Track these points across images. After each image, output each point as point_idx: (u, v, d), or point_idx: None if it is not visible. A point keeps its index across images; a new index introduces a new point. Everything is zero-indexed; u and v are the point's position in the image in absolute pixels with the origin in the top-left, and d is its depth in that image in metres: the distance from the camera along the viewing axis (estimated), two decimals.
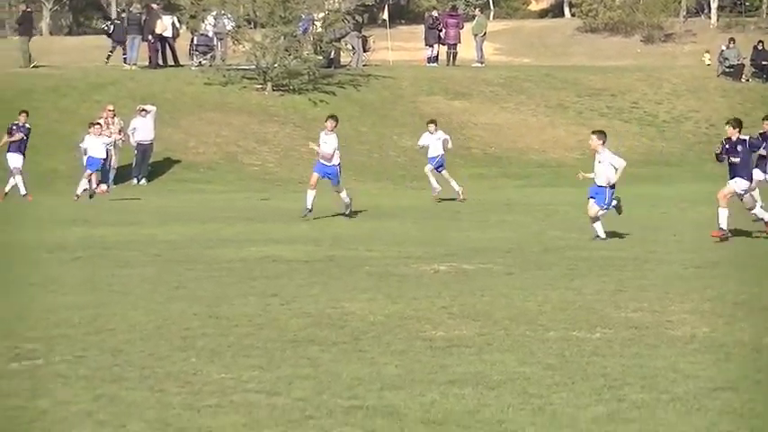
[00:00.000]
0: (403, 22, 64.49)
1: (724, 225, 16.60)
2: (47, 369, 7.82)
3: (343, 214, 21.23)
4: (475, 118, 39.02)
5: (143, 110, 29.88)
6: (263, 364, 7.98)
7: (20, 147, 26.65)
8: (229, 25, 39.06)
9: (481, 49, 46.06)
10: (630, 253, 16.05)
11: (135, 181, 29.61)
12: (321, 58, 39.27)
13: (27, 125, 27.06)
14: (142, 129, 29.39)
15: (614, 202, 17.19)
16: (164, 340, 8.94)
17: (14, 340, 9.02)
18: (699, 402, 6.76)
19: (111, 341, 8.85)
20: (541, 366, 7.97)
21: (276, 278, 13.21)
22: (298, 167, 30.70)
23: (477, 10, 54.35)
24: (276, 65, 37.11)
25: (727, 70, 43.30)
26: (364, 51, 42.99)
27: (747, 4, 62.31)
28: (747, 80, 43.12)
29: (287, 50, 37.63)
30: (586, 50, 58.56)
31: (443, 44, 45.71)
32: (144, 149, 30.13)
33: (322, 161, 21.07)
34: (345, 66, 41.14)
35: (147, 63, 38.77)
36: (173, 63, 40.01)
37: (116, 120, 29.01)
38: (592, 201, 16.89)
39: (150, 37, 38.80)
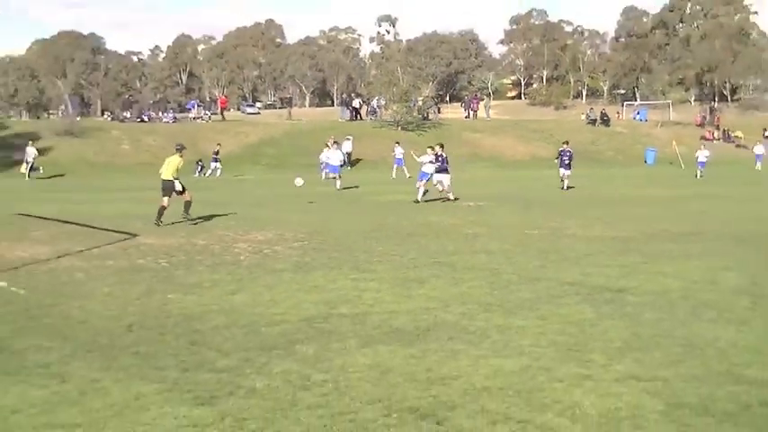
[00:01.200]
0: (453, 99, 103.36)
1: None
2: None
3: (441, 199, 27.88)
4: (485, 141, 63.83)
5: (335, 142, 39.50)
6: None
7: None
8: (383, 101, 67.71)
9: (488, 113, 75.04)
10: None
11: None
12: (421, 116, 65.44)
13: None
14: (336, 153, 36.72)
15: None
16: None
17: None
18: None
19: None
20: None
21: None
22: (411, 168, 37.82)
23: (486, 96, 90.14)
24: (401, 118, 63.19)
25: (589, 121, 72.41)
26: (438, 113, 71.40)
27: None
28: (597, 126, 70.50)
29: (406, 113, 63.54)
30: (532, 113, 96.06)
31: (472, 110, 73.86)
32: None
33: (423, 169, 28.38)
34: (430, 119, 66.86)
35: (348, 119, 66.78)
36: (362, 119, 67.00)
37: (334, 143, 38.91)
38: None
39: (351, 107, 69.08)
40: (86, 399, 7.19)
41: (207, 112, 71.41)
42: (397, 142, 49.13)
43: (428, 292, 11.97)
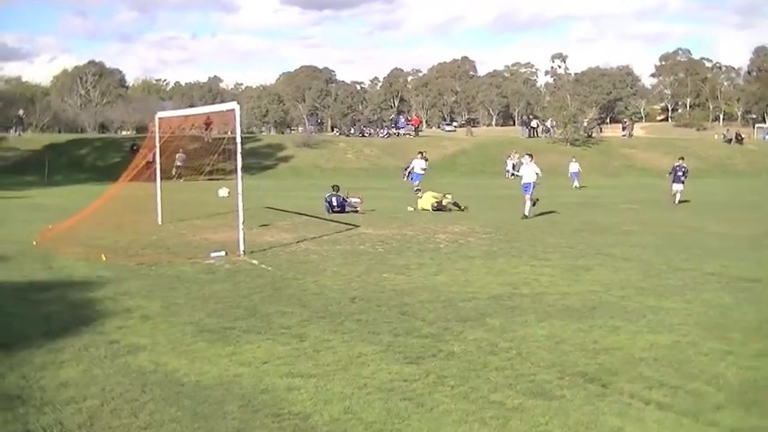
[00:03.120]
0: (612, 121, 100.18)
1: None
2: None
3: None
4: (638, 155, 61.99)
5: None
6: None
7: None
8: (555, 122, 65.53)
9: (629, 133, 74.24)
10: None
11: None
12: (586, 134, 63.15)
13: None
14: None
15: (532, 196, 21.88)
16: None
17: None
18: None
19: None
20: None
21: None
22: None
23: (628, 119, 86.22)
24: (570, 136, 61.22)
25: (725, 140, 68.38)
26: (600, 132, 69.26)
27: None
28: (732, 144, 66.83)
29: (574, 131, 61.57)
30: (677, 133, 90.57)
31: (627, 130, 73.12)
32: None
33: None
34: (593, 137, 64.35)
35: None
36: (537, 136, 64.74)
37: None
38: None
39: (530, 126, 68.17)
40: (319, 355, 7.36)
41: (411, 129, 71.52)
42: (574, 157, 47.38)
43: (593, 277, 11.78)
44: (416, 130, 71.14)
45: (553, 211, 23.74)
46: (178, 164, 40.74)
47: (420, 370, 6.84)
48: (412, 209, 24.05)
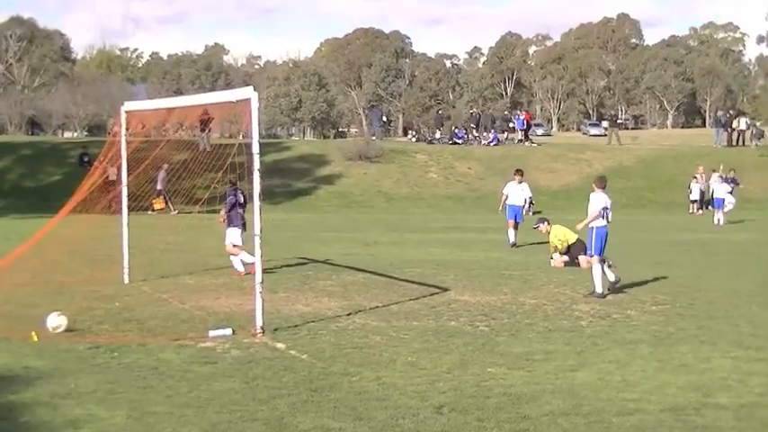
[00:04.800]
0: None
1: None
2: None
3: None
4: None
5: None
6: None
7: None
8: None
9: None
10: None
11: None
12: None
13: None
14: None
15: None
16: None
17: None
18: None
19: None
20: None
21: None
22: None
23: None
24: None
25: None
26: None
27: None
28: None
29: None
30: None
31: None
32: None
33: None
34: None
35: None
36: (744, 145, 65.26)
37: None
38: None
39: (729, 128, 67.06)
40: None
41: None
42: None
43: None
44: (526, 131, 71.38)
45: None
46: (159, 187, 41.46)
47: None
48: (553, 260, 23.89)
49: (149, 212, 39.75)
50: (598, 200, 19.06)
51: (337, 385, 10.95)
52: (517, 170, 30.14)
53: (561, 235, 24.00)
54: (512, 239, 28.22)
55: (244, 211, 21.07)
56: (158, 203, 42.40)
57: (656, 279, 21.22)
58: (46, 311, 15.51)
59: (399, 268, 22.60)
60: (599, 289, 18.53)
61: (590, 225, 18.87)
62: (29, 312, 15.60)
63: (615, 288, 18.95)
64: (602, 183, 19.54)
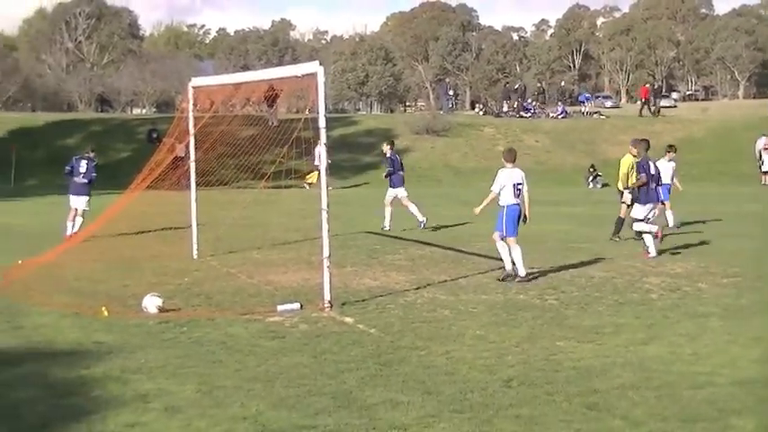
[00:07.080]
0: None
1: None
2: None
3: None
4: None
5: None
6: None
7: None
8: None
9: None
10: None
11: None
12: None
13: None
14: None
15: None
16: None
17: None
18: None
19: None
20: None
21: None
22: None
23: None
24: None
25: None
26: None
27: None
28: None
29: None
30: None
31: None
32: None
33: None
34: None
35: None
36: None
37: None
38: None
39: None
40: None
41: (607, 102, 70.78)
42: None
43: None
44: (647, 104, 69.99)
45: None
46: (316, 162, 41.64)
47: None
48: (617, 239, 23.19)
49: (305, 187, 41.49)
50: (504, 177, 17.35)
51: (406, 359, 10.97)
52: (669, 146, 26.44)
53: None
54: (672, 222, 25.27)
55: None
56: (311, 178, 42.96)
57: (727, 251, 21.05)
58: (115, 287, 15.72)
59: (467, 242, 22.58)
60: (521, 273, 16.95)
61: (501, 204, 17.26)
62: (97, 288, 15.79)
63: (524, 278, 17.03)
64: (511, 156, 17.75)
